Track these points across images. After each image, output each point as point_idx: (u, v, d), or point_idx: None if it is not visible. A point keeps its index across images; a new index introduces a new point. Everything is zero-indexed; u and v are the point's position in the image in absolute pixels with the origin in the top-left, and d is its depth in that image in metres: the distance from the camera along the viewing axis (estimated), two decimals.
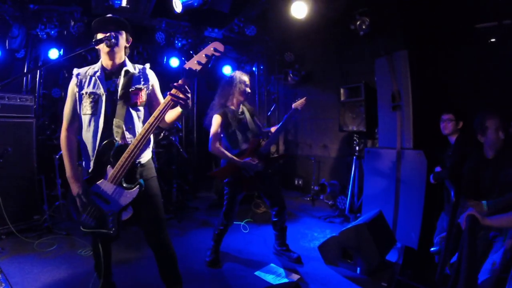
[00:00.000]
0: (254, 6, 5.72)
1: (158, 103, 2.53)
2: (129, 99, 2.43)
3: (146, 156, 2.58)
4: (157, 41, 6.52)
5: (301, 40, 6.68)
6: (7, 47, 5.28)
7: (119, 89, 2.41)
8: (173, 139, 6.23)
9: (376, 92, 4.95)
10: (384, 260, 3.59)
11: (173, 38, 6.69)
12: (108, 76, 2.45)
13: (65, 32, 5.54)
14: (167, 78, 7.26)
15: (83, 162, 2.52)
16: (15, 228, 4.29)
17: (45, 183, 5.05)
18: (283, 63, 7.18)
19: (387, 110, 4.70)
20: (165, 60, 7.10)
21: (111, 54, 2.40)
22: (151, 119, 2.25)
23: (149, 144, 2.60)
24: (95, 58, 6.13)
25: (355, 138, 5.66)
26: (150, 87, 2.57)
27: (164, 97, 2.34)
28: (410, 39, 4.65)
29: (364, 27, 5.01)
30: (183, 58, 7.05)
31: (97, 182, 2.31)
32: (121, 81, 2.43)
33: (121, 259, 3.81)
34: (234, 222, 4.04)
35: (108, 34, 2.31)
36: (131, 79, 2.47)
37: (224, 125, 3.57)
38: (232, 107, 3.65)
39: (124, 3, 4.94)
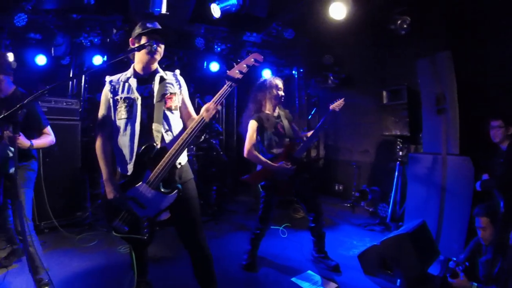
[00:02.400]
0: (291, 9, 5.65)
1: (185, 108, 2.66)
2: (165, 104, 2.49)
3: (184, 157, 2.61)
4: (196, 46, 6.62)
5: (341, 42, 6.52)
6: (52, 55, 5.57)
7: (155, 94, 2.47)
8: (214, 142, 6.30)
9: (419, 95, 4.74)
10: (425, 272, 3.39)
11: (212, 43, 6.80)
12: (141, 82, 2.51)
13: (108, 39, 5.78)
14: (207, 83, 7.45)
15: (118, 167, 2.57)
16: (58, 223, 4.54)
17: (89, 182, 5.31)
18: (323, 66, 7.03)
19: (432, 113, 4.48)
20: (205, 65, 7.25)
21: (150, 61, 2.48)
22: (193, 124, 2.31)
23: None
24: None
25: (398, 143, 5.45)
26: (182, 94, 2.64)
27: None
28: (454, 38, 4.42)
29: (404, 26, 4.82)
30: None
31: (135, 186, 2.34)
32: (156, 86, 2.49)
33: (158, 258, 3.91)
34: (272, 227, 4.02)
35: (151, 41, 2.39)
36: (165, 85, 2.53)
37: (259, 130, 3.57)
38: (268, 112, 3.65)
39: (163, 10, 5.04)
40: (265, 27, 6.39)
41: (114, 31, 5.66)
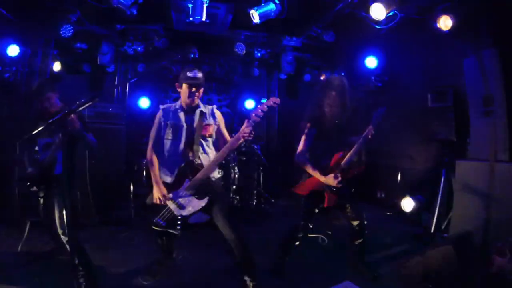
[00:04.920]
0: (331, 11, 5.56)
1: (222, 137, 3.42)
2: (201, 132, 3.23)
3: (216, 173, 3.38)
4: (237, 52, 6.70)
5: (383, 43, 6.32)
6: (98, 63, 5.90)
7: (195, 124, 3.24)
8: (255, 147, 6.36)
9: (466, 97, 4.49)
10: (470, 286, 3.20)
11: (252, 49, 6.87)
12: (186, 112, 3.29)
13: (151, 47, 6.06)
14: (248, 88, 7.55)
15: (162, 175, 3.26)
16: (100, 220, 4.90)
17: (132, 183, 5.54)
18: (365, 68, 6.85)
19: (479, 117, 4.23)
20: (245, 70, 7.36)
21: (191, 102, 3.23)
22: (225, 149, 3.07)
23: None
24: (180, 70, 6.68)
25: (443, 148, 5.16)
26: (217, 124, 3.38)
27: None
28: (501, 35, 4.10)
29: (448, 24, 4.55)
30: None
31: (176, 190, 3.13)
32: (197, 118, 3.26)
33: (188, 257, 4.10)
34: (312, 234, 4.31)
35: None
36: (203, 117, 3.29)
37: (314, 135, 3.46)
38: (327, 116, 3.46)
39: (203, 18, 5.15)
40: (305, 31, 6.39)
41: (157, 39, 5.92)
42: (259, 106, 2.99)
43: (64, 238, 3.50)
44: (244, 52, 6.72)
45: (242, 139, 2.99)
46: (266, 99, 7.73)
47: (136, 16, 4.99)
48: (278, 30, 6.46)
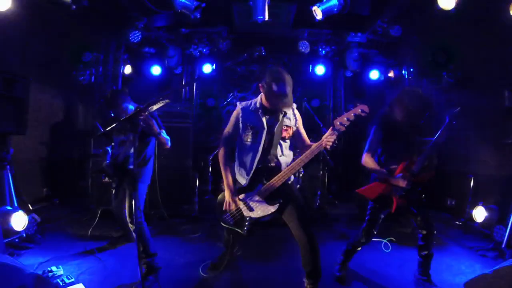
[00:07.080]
0: (396, 4, 5.30)
1: (301, 135, 3.25)
2: (281, 134, 3.10)
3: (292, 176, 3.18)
4: (301, 50, 6.69)
5: (454, 36, 5.79)
6: (166, 65, 6.30)
7: (277, 125, 3.07)
8: None
9: None
10: None
11: (316, 47, 6.82)
12: (268, 113, 3.09)
13: (216, 49, 6.34)
14: (313, 86, 7.52)
15: (237, 177, 3.23)
16: (166, 213, 5.13)
17: (198, 179, 5.82)
18: (436, 64, 6.40)
19: None
20: (310, 68, 7.35)
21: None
22: (303, 157, 2.88)
23: None
24: (244, 70, 6.99)
25: None
26: (296, 126, 3.22)
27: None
28: None
29: None
30: None
31: (248, 193, 3.07)
32: (279, 119, 3.08)
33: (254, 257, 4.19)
34: (375, 239, 4.09)
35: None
36: (283, 119, 3.10)
37: (383, 136, 3.37)
38: (398, 120, 3.34)
39: (266, 18, 5.20)
40: (370, 26, 6.20)
41: (221, 41, 6.14)
42: (345, 113, 2.77)
43: (131, 227, 3.83)
44: (308, 50, 6.69)
45: (324, 147, 2.82)
46: (350, 106, 7.55)
47: (200, 20, 5.20)
48: (342, 26, 6.33)
